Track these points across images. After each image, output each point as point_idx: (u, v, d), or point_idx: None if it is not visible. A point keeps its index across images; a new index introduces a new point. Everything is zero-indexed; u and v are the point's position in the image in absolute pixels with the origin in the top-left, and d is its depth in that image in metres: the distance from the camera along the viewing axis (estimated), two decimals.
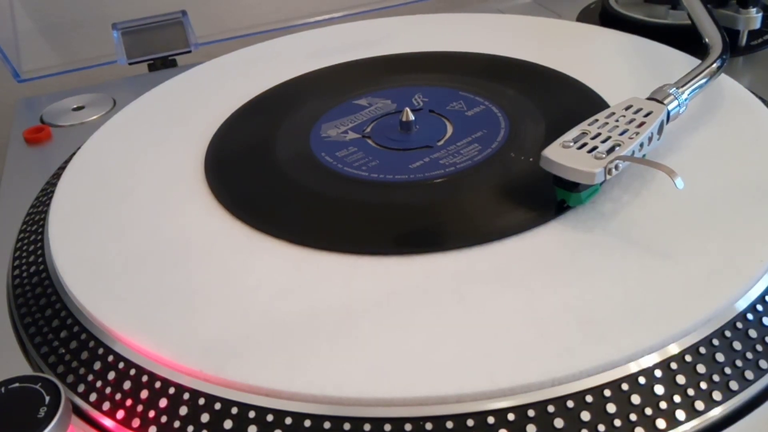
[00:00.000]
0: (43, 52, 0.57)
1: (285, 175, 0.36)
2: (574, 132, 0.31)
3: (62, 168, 0.41)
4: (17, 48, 0.55)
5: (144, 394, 0.25)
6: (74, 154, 0.41)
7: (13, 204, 0.40)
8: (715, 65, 0.37)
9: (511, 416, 0.23)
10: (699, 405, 0.24)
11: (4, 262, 0.35)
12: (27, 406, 0.23)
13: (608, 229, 0.30)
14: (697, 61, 0.38)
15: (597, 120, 0.32)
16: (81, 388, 0.27)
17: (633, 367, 0.24)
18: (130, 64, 0.56)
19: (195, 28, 0.57)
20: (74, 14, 0.58)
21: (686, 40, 0.44)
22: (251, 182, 0.36)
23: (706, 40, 0.40)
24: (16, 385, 0.24)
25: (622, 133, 0.31)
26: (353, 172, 0.35)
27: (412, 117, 0.38)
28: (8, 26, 0.55)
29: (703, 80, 0.35)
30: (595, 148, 0.30)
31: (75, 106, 0.51)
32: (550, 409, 0.23)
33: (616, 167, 0.29)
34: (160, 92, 0.47)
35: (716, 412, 0.24)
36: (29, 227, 0.36)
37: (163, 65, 0.57)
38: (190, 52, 0.57)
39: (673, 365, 0.24)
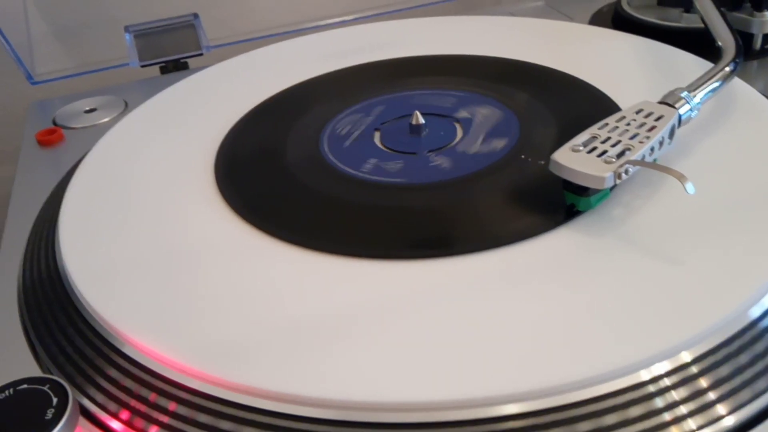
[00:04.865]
0: (57, 55, 0.57)
1: (295, 178, 0.36)
2: (584, 136, 0.31)
3: (73, 170, 0.41)
4: (31, 51, 0.56)
5: (152, 397, 0.25)
6: (84, 156, 0.41)
7: (25, 205, 0.40)
8: (728, 69, 0.36)
9: (518, 423, 0.23)
10: (711, 413, 0.23)
11: (16, 264, 0.35)
12: (35, 407, 0.23)
13: (618, 234, 0.29)
14: (711, 65, 0.37)
15: (607, 124, 0.32)
16: (89, 390, 0.27)
17: (643, 375, 0.24)
18: (142, 66, 0.56)
19: (207, 30, 0.57)
20: (87, 17, 0.58)
21: (700, 43, 0.43)
22: (261, 185, 0.36)
23: (719, 43, 0.40)
24: (25, 386, 0.24)
25: (632, 137, 0.31)
26: (362, 175, 0.35)
27: (422, 120, 0.38)
28: (22, 29, 0.56)
29: (716, 84, 0.35)
30: (605, 152, 0.30)
31: (87, 109, 0.51)
32: (556, 417, 0.23)
33: (626, 172, 0.29)
34: (170, 94, 0.47)
35: (729, 422, 0.23)
36: (40, 229, 0.37)
37: (175, 68, 0.57)
38: (201, 54, 0.57)
39: (685, 373, 0.24)
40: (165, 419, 0.25)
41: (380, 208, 0.33)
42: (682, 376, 0.24)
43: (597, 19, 0.58)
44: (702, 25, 0.43)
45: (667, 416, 0.23)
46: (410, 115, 0.39)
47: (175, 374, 0.26)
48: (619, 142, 0.30)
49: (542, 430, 0.23)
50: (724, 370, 0.24)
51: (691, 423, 0.23)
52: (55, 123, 0.50)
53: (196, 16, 0.58)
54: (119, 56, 0.56)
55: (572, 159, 0.30)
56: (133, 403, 0.26)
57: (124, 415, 0.25)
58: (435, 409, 0.23)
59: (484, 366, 0.24)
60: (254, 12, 0.63)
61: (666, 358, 0.24)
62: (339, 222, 0.33)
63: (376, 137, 0.39)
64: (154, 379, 0.26)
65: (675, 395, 0.24)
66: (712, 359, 0.24)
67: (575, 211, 0.31)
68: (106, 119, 0.49)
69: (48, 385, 0.24)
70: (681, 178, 0.27)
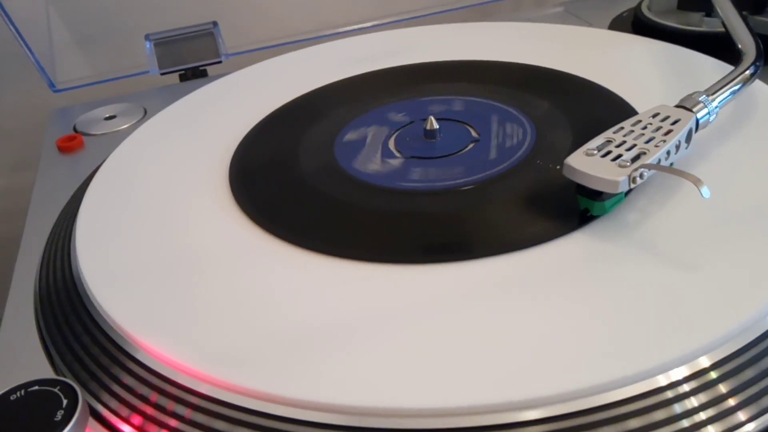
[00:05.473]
0: (78, 63, 0.58)
1: (309, 183, 0.36)
2: (598, 140, 0.31)
3: (91, 176, 0.41)
4: (53, 59, 0.57)
5: (163, 401, 0.25)
6: (103, 162, 0.41)
7: (44, 210, 0.40)
8: (748, 72, 0.36)
9: (537, 429, 0.22)
10: (730, 420, 0.23)
11: (33, 267, 0.36)
12: (45, 408, 0.24)
13: (633, 240, 0.29)
14: (731, 68, 0.37)
15: (623, 128, 0.31)
16: (100, 392, 0.27)
17: (661, 380, 0.23)
18: (161, 74, 0.57)
19: (225, 39, 0.58)
20: (108, 26, 0.59)
21: (722, 48, 0.42)
22: (275, 191, 0.36)
23: (740, 46, 0.39)
24: (35, 387, 0.24)
25: (648, 141, 0.30)
26: (377, 180, 0.35)
27: (436, 125, 0.38)
28: (44, 39, 0.57)
29: (736, 87, 0.34)
30: (619, 156, 0.29)
31: (107, 116, 0.52)
32: (574, 423, 0.22)
33: (641, 176, 0.29)
34: (188, 102, 0.47)
35: (749, 428, 0.23)
36: (58, 233, 0.37)
37: (194, 75, 0.58)
38: (220, 62, 0.58)
39: (703, 379, 0.23)
40: (175, 423, 0.25)
41: (394, 214, 0.33)
42: (700, 381, 0.23)
43: (617, 25, 0.58)
44: (723, 29, 0.43)
45: (685, 422, 0.23)
46: (425, 120, 0.39)
47: (187, 379, 0.26)
48: (634, 146, 0.30)
49: None
50: (744, 376, 0.24)
51: (711, 430, 0.23)
52: (75, 130, 0.51)
53: (215, 24, 0.58)
54: (139, 64, 0.57)
55: (586, 163, 0.29)
56: (144, 407, 0.26)
57: (135, 419, 0.25)
58: (452, 415, 0.23)
59: (502, 371, 0.24)
60: (272, 20, 0.63)
61: (684, 363, 0.24)
62: (354, 227, 0.33)
63: (391, 142, 0.39)
64: (165, 384, 0.26)
65: (694, 401, 0.23)
66: (731, 365, 0.24)
67: (589, 216, 0.30)
68: (125, 126, 0.50)
69: (58, 387, 0.24)
70: (696, 181, 0.27)
